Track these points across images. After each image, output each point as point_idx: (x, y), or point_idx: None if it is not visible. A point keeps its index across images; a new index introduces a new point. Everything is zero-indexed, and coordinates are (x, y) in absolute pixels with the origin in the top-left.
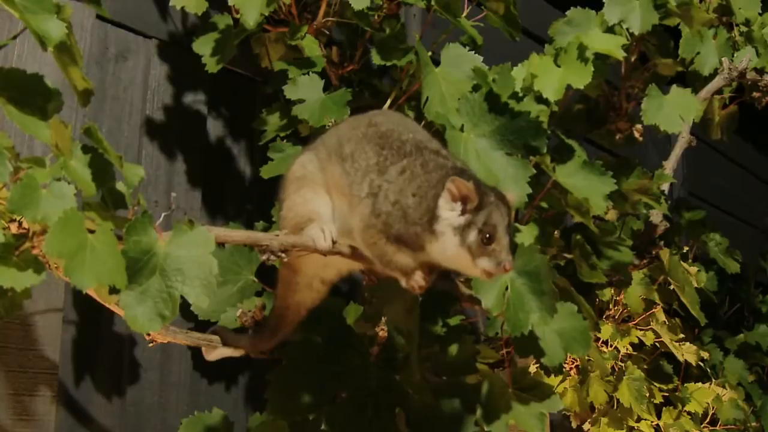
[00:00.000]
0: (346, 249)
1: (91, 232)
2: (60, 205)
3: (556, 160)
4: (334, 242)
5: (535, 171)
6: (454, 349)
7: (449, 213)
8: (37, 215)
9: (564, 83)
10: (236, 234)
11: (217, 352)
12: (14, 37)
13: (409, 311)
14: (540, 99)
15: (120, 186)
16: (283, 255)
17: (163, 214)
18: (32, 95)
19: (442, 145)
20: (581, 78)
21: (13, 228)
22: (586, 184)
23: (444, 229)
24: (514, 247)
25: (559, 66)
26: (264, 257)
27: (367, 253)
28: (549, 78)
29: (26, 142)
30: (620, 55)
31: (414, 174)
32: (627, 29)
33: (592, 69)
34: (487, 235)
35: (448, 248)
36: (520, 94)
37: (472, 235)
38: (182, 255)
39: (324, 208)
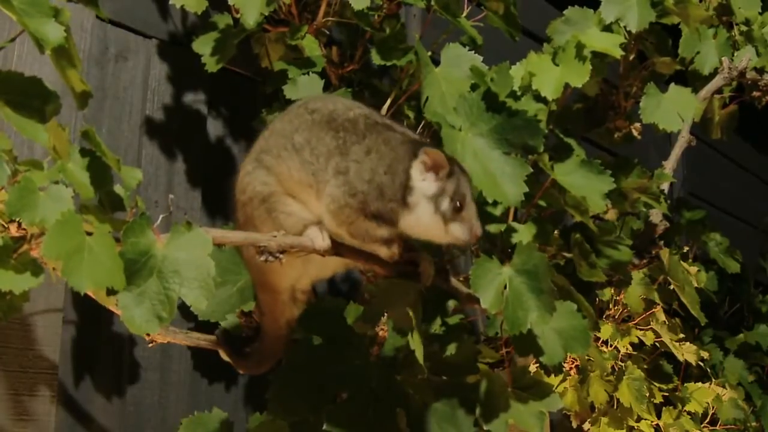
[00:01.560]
0: (344, 249)
1: (89, 234)
2: (58, 207)
3: (555, 159)
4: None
5: (532, 170)
6: (453, 348)
7: (422, 183)
8: (35, 218)
9: (562, 82)
10: (234, 235)
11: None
12: (12, 40)
13: (413, 311)
14: (538, 98)
15: (118, 189)
16: (281, 256)
17: (161, 216)
18: (30, 98)
19: (383, 116)
20: (579, 77)
21: (13, 229)
22: (584, 183)
23: (418, 199)
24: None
25: (557, 65)
26: (262, 258)
27: (341, 231)
28: (547, 77)
29: (26, 144)
30: (618, 53)
31: (381, 152)
32: (624, 27)
33: (590, 68)
34: (458, 203)
35: (422, 217)
36: (518, 93)
37: (445, 203)
38: (180, 257)
39: (307, 211)
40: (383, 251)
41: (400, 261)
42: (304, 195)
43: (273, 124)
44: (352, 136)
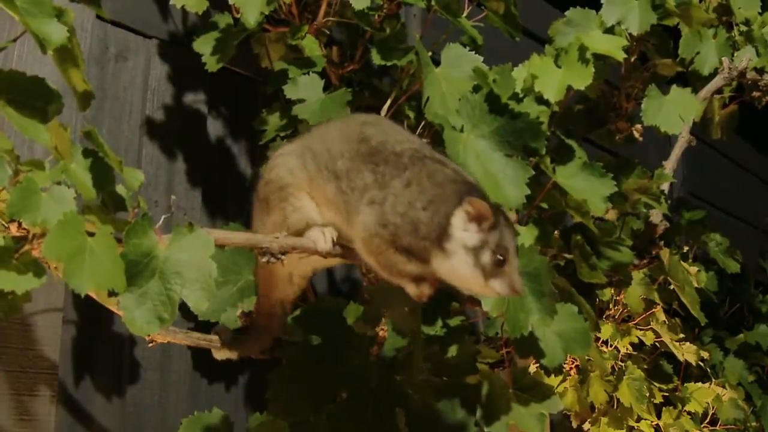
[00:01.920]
0: (347, 251)
1: (91, 235)
2: (60, 208)
3: (556, 161)
4: (334, 244)
5: (534, 172)
6: (454, 350)
7: (462, 233)
8: (37, 219)
9: (564, 84)
10: (236, 236)
11: (223, 351)
12: (14, 40)
13: (412, 312)
14: (540, 100)
15: (120, 189)
16: (283, 257)
17: (163, 217)
18: (33, 97)
19: (437, 150)
20: (582, 79)
21: (13, 228)
22: (586, 186)
23: (456, 248)
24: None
25: (559, 67)
26: (264, 259)
27: (370, 261)
28: (549, 79)
29: (27, 143)
30: (620, 56)
31: (422, 186)
32: (626, 29)
33: (593, 70)
34: (500, 257)
35: (459, 268)
36: (521, 95)
37: (486, 256)
38: (182, 258)
39: (315, 213)
40: (411, 288)
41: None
42: (327, 213)
43: (330, 127)
44: (393, 170)
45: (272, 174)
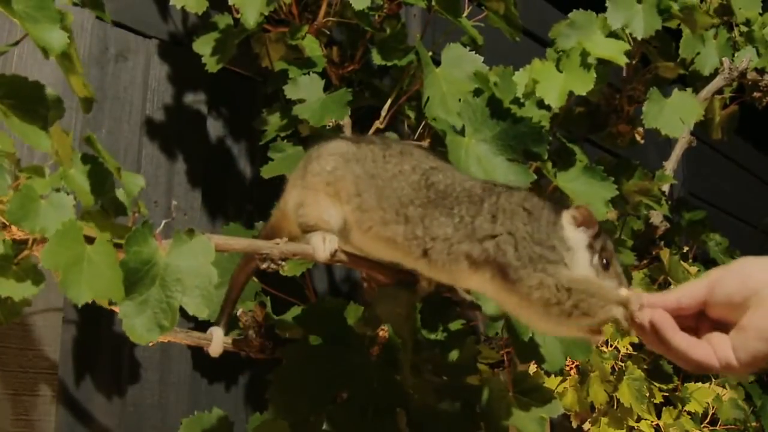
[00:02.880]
0: (346, 258)
1: (90, 241)
2: (59, 216)
3: (558, 165)
4: (333, 254)
5: (536, 177)
6: (455, 354)
7: (575, 234)
8: (36, 227)
9: (566, 89)
10: (237, 242)
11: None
12: (15, 44)
13: (407, 317)
14: (541, 104)
15: (120, 193)
16: (284, 263)
17: (164, 222)
18: (33, 103)
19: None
20: (584, 84)
21: (12, 234)
22: (587, 189)
23: (576, 249)
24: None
25: (561, 72)
26: (264, 265)
27: (545, 310)
28: (551, 84)
29: (25, 146)
30: (623, 61)
31: (515, 212)
32: (630, 34)
33: (595, 75)
34: (605, 261)
35: (582, 263)
36: (522, 100)
37: (595, 258)
38: (182, 265)
39: (335, 219)
40: (618, 312)
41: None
42: (373, 245)
43: (399, 165)
44: (470, 208)
45: (326, 166)
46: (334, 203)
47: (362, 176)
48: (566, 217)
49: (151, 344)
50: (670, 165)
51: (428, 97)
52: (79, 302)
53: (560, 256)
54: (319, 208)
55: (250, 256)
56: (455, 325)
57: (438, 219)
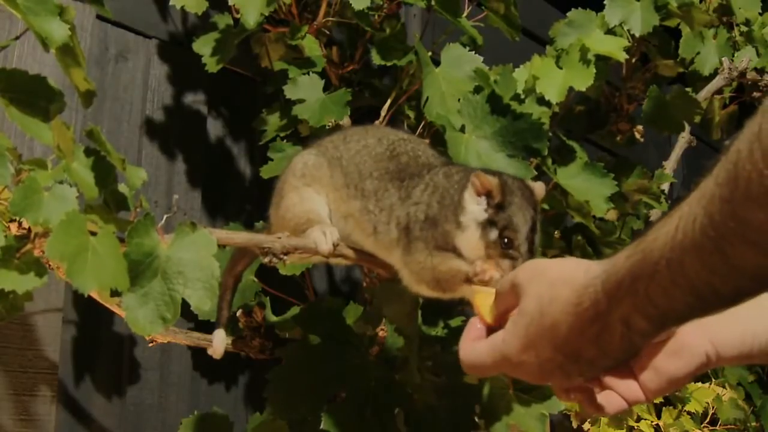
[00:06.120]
0: (349, 252)
1: (93, 234)
2: (62, 207)
3: (558, 162)
4: (336, 245)
5: (536, 173)
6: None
7: (474, 206)
8: (39, 218)
9: (566, 85)
10: (238, 236)
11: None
12: (16, 38)
13: (410, 314)
14: (541, 101)
15: (122, 188)
16: (285, 257)
17: (165, 216)
18: (35, 96)
19: (441, 151)
20: (583, 80)
21: (13, 228)
22: (587, 186)
23: (469, 222)
24: (533, 248)
25: (560, 68)
26: (266, 260)
27: (423, 288)
28: (551, 80)
29: (26, 143)
30: (622, 57)
31: (436, 184)
32: (628, 31)
33: (594, 71)
34: (506, 240)
35: (470, 240)
36: (522, 96)
37: (493, 234)
38: (184, 257)
39: (323, 209)
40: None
41: None
42: (348, 226)
43: (365, 138)
44: (414, 181)
45: (293, 167)
46: (316, 191)
47: (332, 161)
48: (469, 189)
49: (151, 344)
50: (670, 164)
51: (428, 97)
52: (85, 291)
53: (450, 241)
54: (303, 201)
55: (237, 258)
56: (456, 322)
57: (389, 191)
